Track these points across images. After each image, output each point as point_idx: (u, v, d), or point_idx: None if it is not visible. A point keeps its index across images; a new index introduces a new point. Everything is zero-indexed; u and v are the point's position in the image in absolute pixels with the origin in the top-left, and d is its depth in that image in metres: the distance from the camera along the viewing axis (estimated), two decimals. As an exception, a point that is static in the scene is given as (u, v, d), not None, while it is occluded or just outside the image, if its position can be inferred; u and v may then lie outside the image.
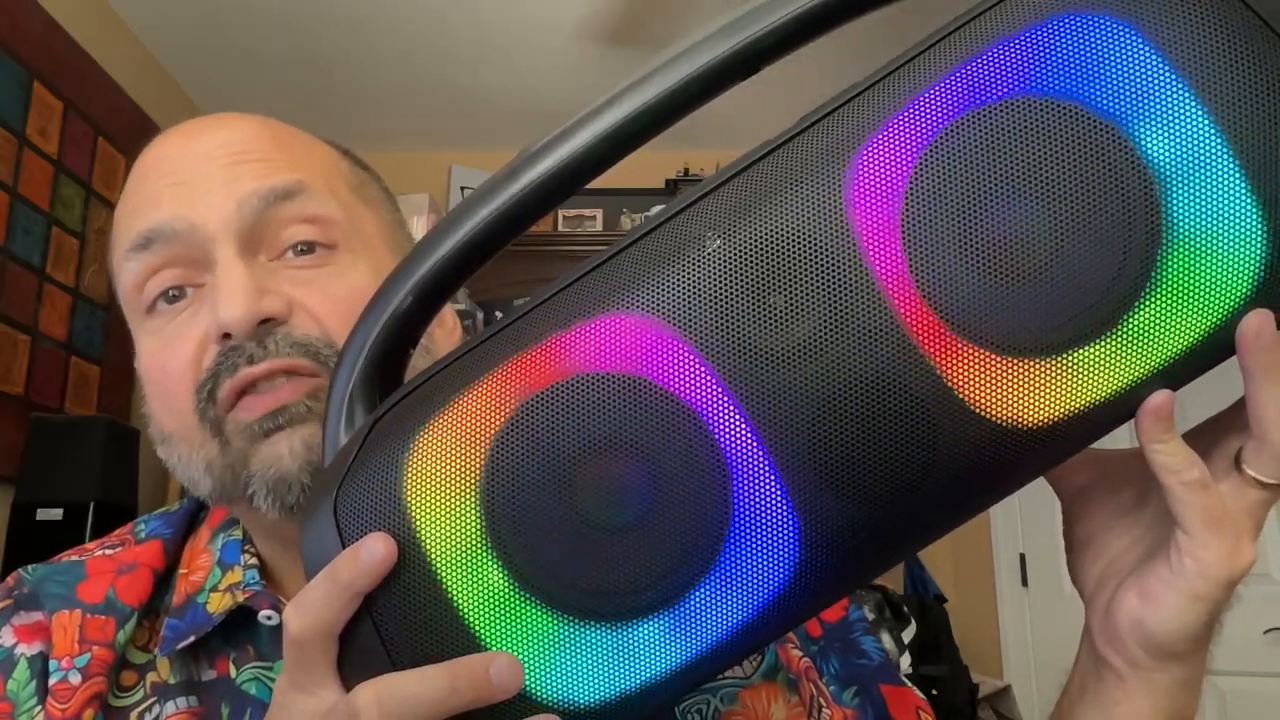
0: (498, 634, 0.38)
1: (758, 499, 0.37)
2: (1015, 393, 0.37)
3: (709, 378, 0.37)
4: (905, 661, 2.20)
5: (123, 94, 2.50)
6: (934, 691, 2.26)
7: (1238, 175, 0.36)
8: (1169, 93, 0.36)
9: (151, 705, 0.56)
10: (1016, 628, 2.91)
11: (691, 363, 0.37)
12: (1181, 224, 0.36)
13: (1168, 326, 0.37)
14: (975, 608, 2.94)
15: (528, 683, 0.38)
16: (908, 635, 2.25)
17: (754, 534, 0.38)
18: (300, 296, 0.55)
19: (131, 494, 2.08)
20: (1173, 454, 0.39)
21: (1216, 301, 0.37)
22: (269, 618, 0.56)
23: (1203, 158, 0.36)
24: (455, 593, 0.38)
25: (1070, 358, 0.37)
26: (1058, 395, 0.37)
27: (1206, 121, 0.36)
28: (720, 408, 0.37)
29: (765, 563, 0.38)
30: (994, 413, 0.37)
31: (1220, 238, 0.36)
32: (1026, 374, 0.37)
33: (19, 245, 2.06)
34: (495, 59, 2.74)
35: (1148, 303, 0.37)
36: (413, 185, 2.88)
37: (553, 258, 2.74)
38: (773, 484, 0.37)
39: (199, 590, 0.58)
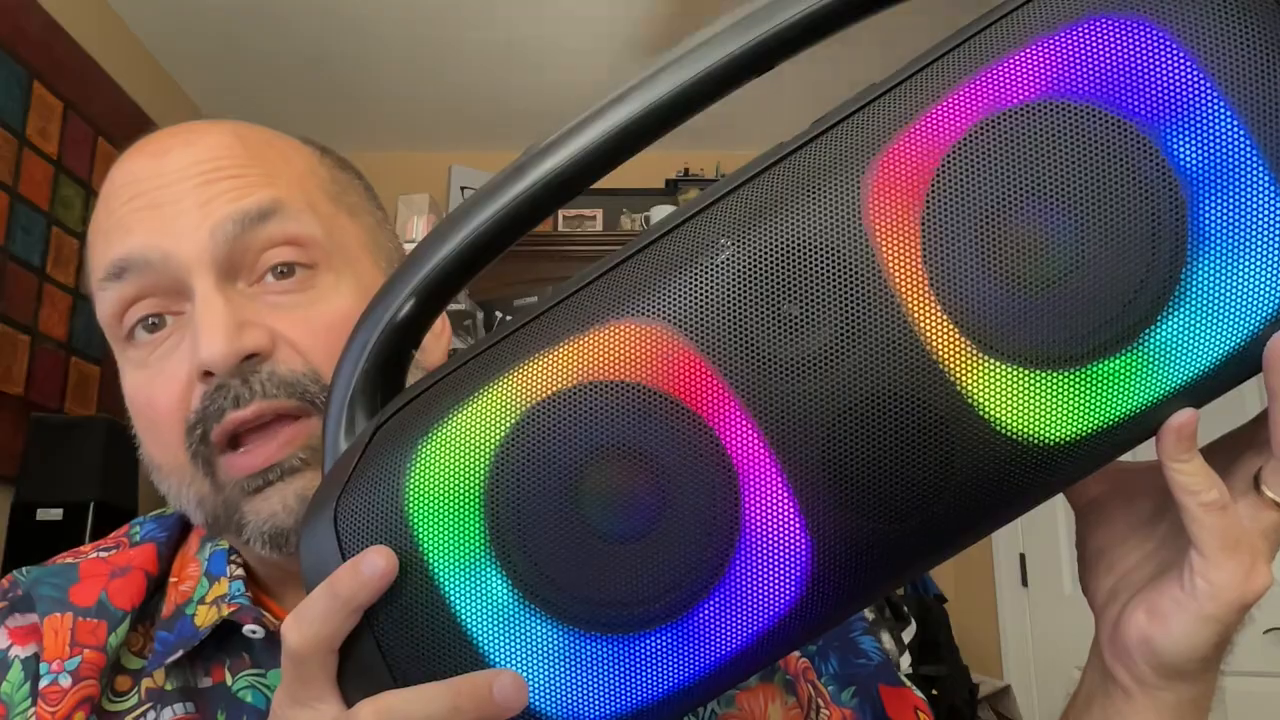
0: (502, 648, 0.37)
1: (768, 511, 0.36)
2: (1035, 408, 0.36)
3: (720, 387, 0.36)
4: (905, 661, 2.20)
5: (123, 94, 2.49)
6: (934, 691, 2.26)
7: (1270, 186, 0.35)
8: (1202, 99, 0.35)
9: (147, 711, 0.56)
10: (1016, 628, 2.91)
11: (702, 371, 0.37)
12: (1210, 235, 0.35)
13: (1193, 341, 0.36)
14: (975, 608, 2.94)
15: (532, 698, 0.37)
16: (908, 635, 2.24)
17: (764, 547, 0.37)
18: (283, 327, 0.54)
19: (131, 494, 2.07)
20: (1192, 474, 0.38)
21: (1244, 317, 0.36)
22: (253, 631, 0.56)
23: (1234, 167, 0.35)
24: (458, 605, 0.37)
25: (1092, 371, 0.36)
26: (1078, 411, 0.36)
27: (1240, 130, 0.35)
28: (731, 417, 0.36)
29: (775, 576, 0.37)
30: (1012, 428, 0.36)
31: (1250, 250, 0.35)
32: (1046, 388, 0.36)
33: (19, 245, 2.06)
34: (496, 59, 2.74)
35: (1173, 316, 0.36)
36: (413, 185, 2.88)
37: (553, 258, 2.74)
38: (784, 496, 0.36)
39: (187, 602, 0.58)
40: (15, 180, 2.05)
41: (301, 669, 0.38)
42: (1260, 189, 0.35)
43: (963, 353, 0.36)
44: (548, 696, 0.37)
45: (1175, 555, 0.41)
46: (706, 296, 0.37)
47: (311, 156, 0.61)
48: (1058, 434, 0.36)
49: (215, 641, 0.57)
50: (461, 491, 0.38)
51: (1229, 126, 0.35)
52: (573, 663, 0.37)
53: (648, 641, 0.37)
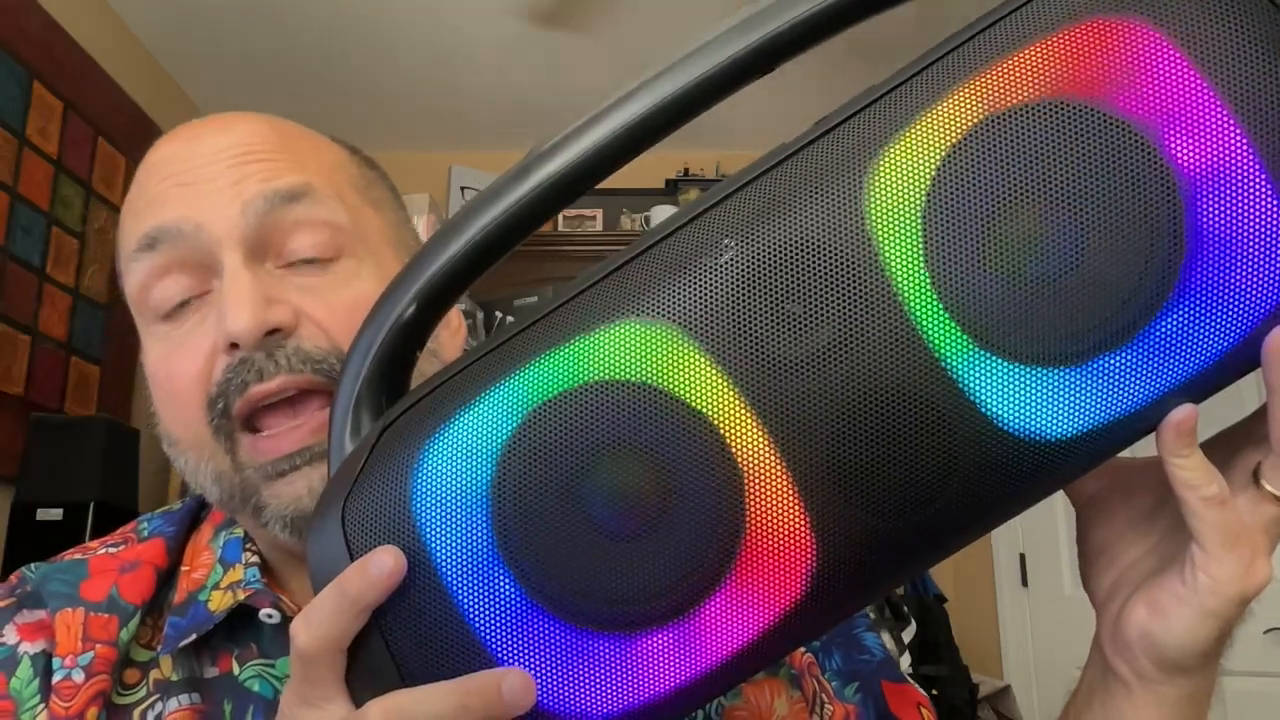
0: (509, 646, 0.38)
1: (772, 508, 0.37)
2: (1036, 405, 0.36)
3: (724, 385, 0.37)
4: (905, 661, 2.20)
5: (123, 94, 2.50)
6: (934, 691, 2.26)
7: (1267, 184, 0.35)
8: (1198, 99, 0.36)
9: (154, 702, 0.56)
10: (1016, 628, 2.91)
11: (707, 371, 0.37)
12: (1207, 233, 0.36)
13: (1192, 337, 0.36)
14: (975, 608, 2.94)
15: (540, 696, 0.37)
16: (908, 635, 2.24)
17: (768, 544, 0.37)
18: (307, 306, 0.55)
19: (131, 494, 2.07)
20: (1192, 469, 0.38)
21: (1242, 313, 0.36)
22: (269, 615, 0.56)
23: (1231, 166, 0.35)
24: (465, 604, 0.37)
25: (1091, 368, 0.36)
26: (1078, 407, 0.37)
27: (1236, 129, 0.35)
28: (735, 416, 0.37)
29: (780, 573, 0.37)
30: (1014, 425, 0.36)
31: (1247, 248, 0.36)
32: (1047, 385, 0.36)
33: (19, 245, 2.06)
34: (495, 59, 2.74)
35: (1171, 313, 0.36)
36: (413, 185, 2.88)
37: (553, 258, 2.74)
38: (788, 493, 0.37)
39: (200, 588, 0.59)
40: (15, 180, 2.05)
41: (310, 669, 0.38)
42: (1257, 188, 0.35)
43: (964, 350, 0.36)
44: (555, 694, 0.38)
45: (1175, 550, 0.42)
46: (710, 296, 0.37)
47: (341, 152, 0.62)
48: (1058, 430, 0.37)
49: (226, 630, 0.57)
50: (468, 492, 0.38)
51: (1226, 126, 0.36)
52: (580, 661, 0.38)
53: (654, 639, 0.38)
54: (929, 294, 0.36)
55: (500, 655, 0.37)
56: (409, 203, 2.69)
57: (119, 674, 0.57)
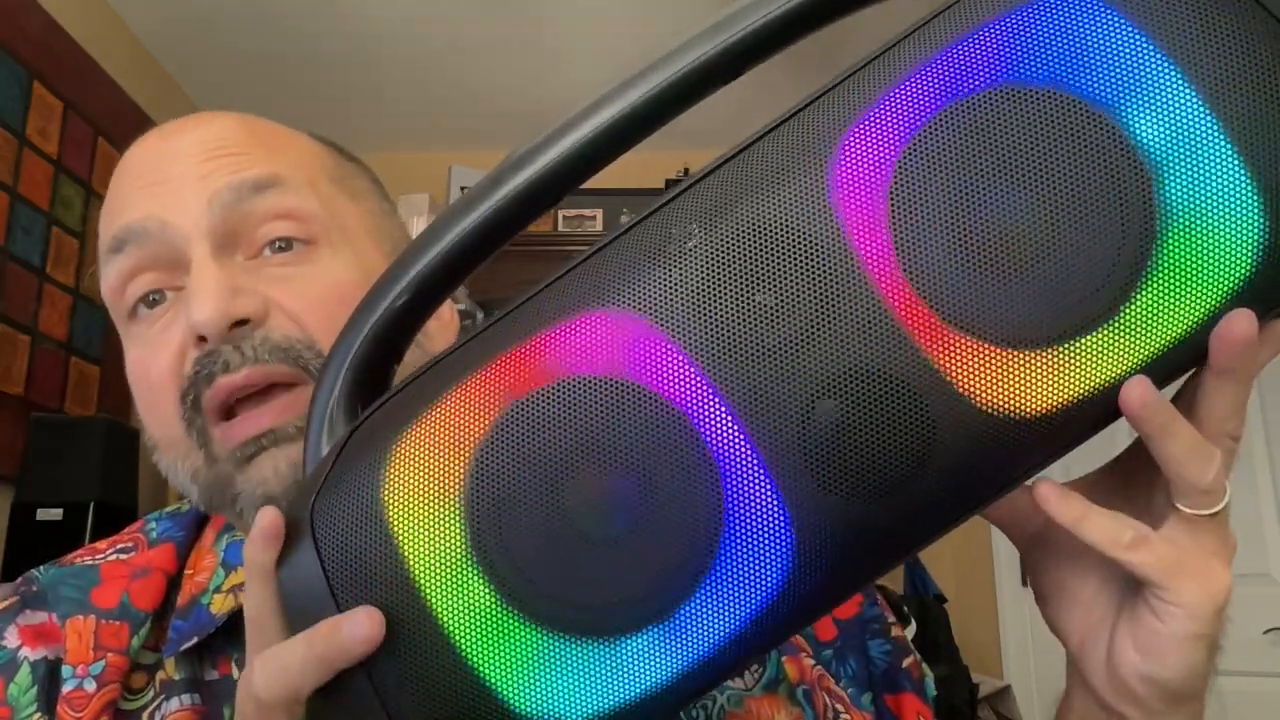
0: (483, 650, 0.37)
1: (750, 500, 0.36)
2: (1012, 383, 0.36)
3: (695, 376, 0.36)
4: (905, 661, 2.19)
5: (123, 94, 2.50)
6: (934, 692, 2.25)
7: (1232, 156, 0.35)
8: (1157, 75, 0.35)
9: (160, 703, 0.56)
10: (1016, 628, 2.91)
11: (677, 361, 0.36)
12: (1177, 209, 0.35)
13: (1165, 313, 0.36)
14: (975, 608, 2.94)
15: (518, 700, 0.37)
16: (908, 635, 2.24)
17: (747, 537, 0.36)
18: (278, 295, 0.54)
19: (131, 494, 2.07)
20: (1099, 530, 0.38)
21: (1215, 286, 0.36)
22: None
23: (1196, 140, 0.35)
24: (438, 608, 0.36)
25: (1067, 348, 0.36)
26: (1055, 384, 0.36)
27: (1198, 103, 0.35)
28: (707, 406, 0.36)
29: (760, 567, 0.36)
30: (991, 403, 0.36)
31: (1217, 220, 0.35)
32: (1023, 364, 0.36)
33: (19, 245, 2.06)
34: (496, 59, 2.74)
35: (1145, 290, 0.36)
36: (413, 185, 2.88)
37: (553, 258, 2.71)
38: (764, 483, 0.36)
39: (203, 591, 0.58)
40: (15, 180, 2.05)
41: (266, 715, 0.37)
42: (1222, 161, 0.35)
43: (937, 332, 0.36)
44: (531, 698, 0.37)
45: (1130, 575, 0.41)
46: (677, 284, 0.37)
47: (316, 145, 0.61)
48: (1035, 408, 0.36)
49: (226, 635, 0.56)
50: (440, 492, 0.37)
51: (1185, 99, 0.35)
52: (557, 665, 0.37)
53: (634, 641, 0.37)
54: (898, 275, 0.36)
55: (474, 660, 0.37)
56: (409, 203, 2.66)
57: (126, 680, 0.56)
